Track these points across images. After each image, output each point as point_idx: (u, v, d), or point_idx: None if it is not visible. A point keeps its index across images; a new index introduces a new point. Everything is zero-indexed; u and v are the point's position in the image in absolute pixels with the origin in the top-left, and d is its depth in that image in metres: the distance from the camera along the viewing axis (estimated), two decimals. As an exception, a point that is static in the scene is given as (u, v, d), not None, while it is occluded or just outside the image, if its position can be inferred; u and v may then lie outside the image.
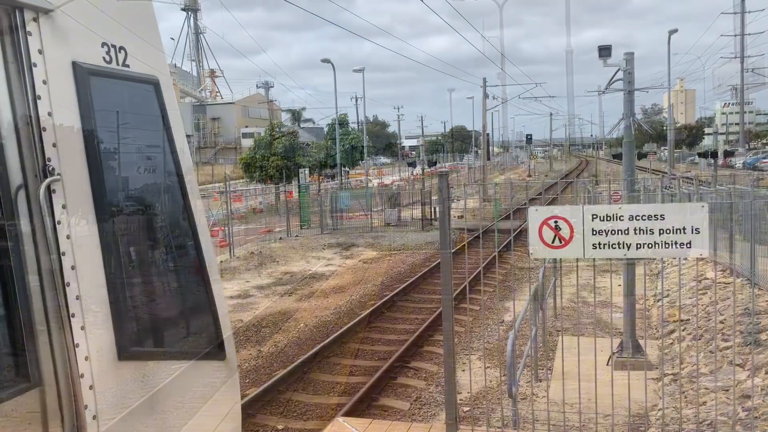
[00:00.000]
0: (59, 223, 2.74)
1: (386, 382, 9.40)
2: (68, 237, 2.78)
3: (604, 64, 9.58)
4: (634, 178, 9.36)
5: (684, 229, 5.02)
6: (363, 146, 50.52)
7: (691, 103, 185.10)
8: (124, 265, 3.16)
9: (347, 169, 59.26)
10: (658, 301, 12.76)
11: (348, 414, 7.84)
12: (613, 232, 5.09)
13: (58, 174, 2.75)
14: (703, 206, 5.06)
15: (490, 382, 9.14)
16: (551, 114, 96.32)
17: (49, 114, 2.76)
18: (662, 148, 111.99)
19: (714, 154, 32.99)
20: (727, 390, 7.27)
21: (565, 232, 5.12)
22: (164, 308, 3.57)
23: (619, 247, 5.12)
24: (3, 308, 2.63)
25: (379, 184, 53.15)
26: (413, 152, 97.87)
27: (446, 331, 5.66)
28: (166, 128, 3.48)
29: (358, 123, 70.39)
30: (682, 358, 8.93)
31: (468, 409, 8.06)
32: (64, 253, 2.75)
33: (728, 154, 61.89)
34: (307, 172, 33.73)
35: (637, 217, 5.07)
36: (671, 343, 9.89)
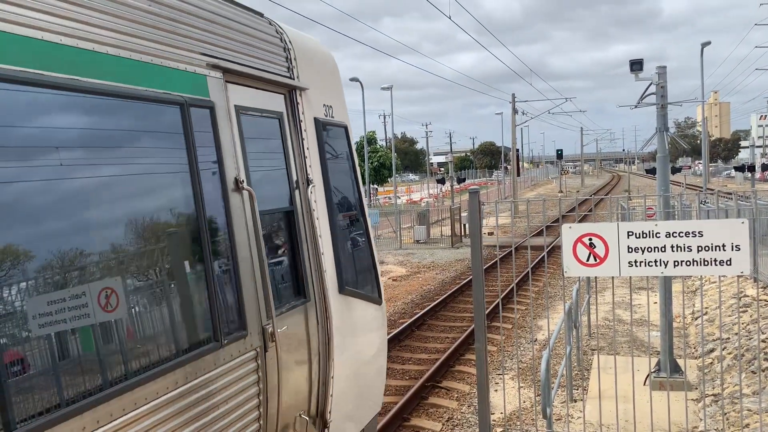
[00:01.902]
0: (314, 210, 4.78)
1: (417, 402, 9.30)
2: (318, 219, 4.84)
3: (636, 78, 9.45)
4: (669, 194, 9.16)
5: (723, 245, 4.88)
6: (391, 163, 50.65)
7: (726, 115, 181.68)
8: (338, 237, 5.19)
9: (376, 186, 59.41)
10: (696, 319, 12.43)
11: (379, 434, 7.75)
12: (649, 250, 4.98)
13: (313, 183, 4.86)
14: (743, 222, 4.92)
15: (524, 402, 8.97)
16: (582, 129, 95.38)
17: (308, 148, 4.90)
18: (696, 162, 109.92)
19: (751, 168, 32.20)
20: (772, 412, 7.01)
21: (600, 249, 5.02)
22: (357, 266, 5.67)
23: (656, 265, 5.00)
24: (292, 256, 4.61)
25: (407, 200, 53.15)
26: (442, 169, 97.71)
27: (479, 350, 5.58)
28: (350, 155, 5.81)
29: (386, 140, 70.65)
30: (723, 379, 8.65)
31: (501, 430, 7.91)
32: (315, 227, 4.80)
33: (766, 167, 60.48)
34: (336, 189, 33.90)
35: (674, 234, 4.95)
36: (711, 363, 9.61)
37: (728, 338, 10.27)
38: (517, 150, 48.90)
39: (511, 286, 15.33)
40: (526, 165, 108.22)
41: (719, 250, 4.90)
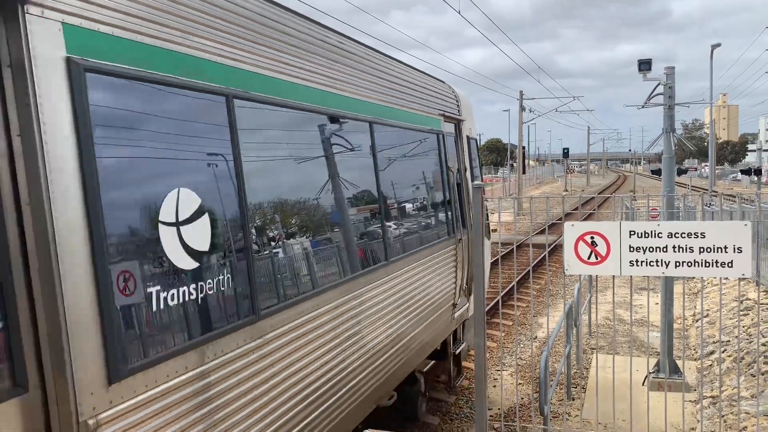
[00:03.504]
0: (468, 184, 8.74)
1: (416, 396, 9.31)
2: (469, 188, 8.54)
3: (644, 78, 9.42)
4: (673, 195, 9.14)
5: (725, 247, 4.87)
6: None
7: (734, 118, 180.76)
8: (464, 202, 8.58)
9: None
10: (697, 320, 12.42)
11: (376, 427, 7.78)
12: (651, 249, 4.98)
13: (467, 169, 8.89)
14: (746, 224, 4.91)
15: (522, 399, 9.00)
16: (588, 127, 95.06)
17: (464, 151, 8.87)
18: (703, 164, 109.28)
19: (758, 172, 32.05)
20: (770, 415, 7.01)
21: (601, 248, 5.02)
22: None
23: (657, 265, 5.00)
24: (460, 206, 8.39)
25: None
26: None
27: (478, 345, 5.59)
28: (477, 154, 9.71)
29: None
30: (722, 381, 8.66)
31: (498, 425, 7.94)
32: (469, 193, 8.48)
33: (773, 171, 59.98)
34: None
35: (677, 235, 4.95)
36: (710, 365, 9.61)
37: (728, 341, 10.27)
38: (524, 147, 48.76)
39: (512, 284, 15.34)
40: (532, 163, 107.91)
41: (721, 252, 4.89)
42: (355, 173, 5.61)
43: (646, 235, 4.98)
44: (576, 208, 33.09)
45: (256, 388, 3.74)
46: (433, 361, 8.26)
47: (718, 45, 36.06)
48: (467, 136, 9.07)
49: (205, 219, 3.41)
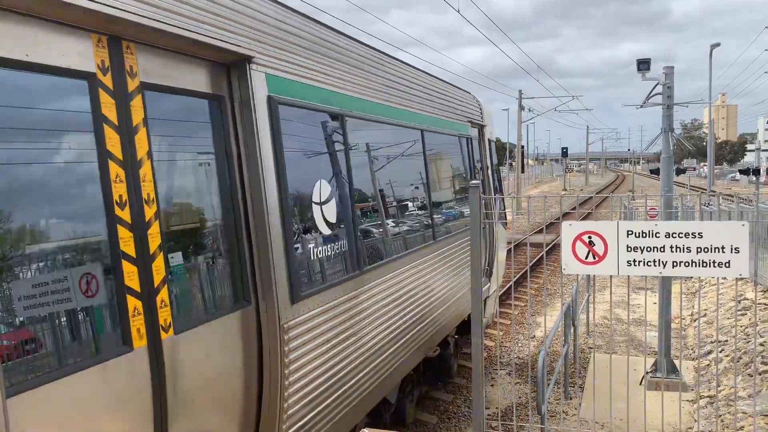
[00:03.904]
0: (489, 180, 10.63)
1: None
2: (490, 183, 10.61)
3: (643, 77, 9.42)
4: (671, 194, 9.15)
5: (723, 247, 4.87)
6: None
7: (733, 118, 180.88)
8: (497, 193, 11.15)
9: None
10: (694, 320, 12.43)
11: (374, 426, 7.78)
12: (648, 249, 4.98)
13: (488, 168, 10.61)
14: (743, 225, 4.91)
15: (519, 398, 9.01)
16: (587, 127, 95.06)
17: (486, 151, 10.52)
18: (702, 163, 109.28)
19: (756, 171, 32.07)
20: (766, 415, 7.03)
21: (599, 247, 5.02)
22: (501, 209, 10.97)
23: (655, 265, 5.00)
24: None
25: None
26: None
27: (475, 344, 5.60)
28: (494, 152, 11.37)
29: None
30: (719, 381, 8.67)
31: (496, 424, 7.94)
32: (491, 189, 10.64)
33: (771, 171, 59.94)
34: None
35: (674, 235, 4.95)
36: (708, 365, 9.62)
37: (726, 341, 10.28)
38: (523, 147, 48.71)
39: (510, 283, 15.34)
40: (530, 162, 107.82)
41: (718, 252, 4.89)
42: (415, 171, 7.42)
43: (644, 234, 4.98)
44: (574, 208, 33.05)
45: (360, 322, 5.41)
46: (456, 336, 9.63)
47: (718, 45, 36.07)
48: (489, 139, 10.76)
49: (333, 201, 5.03)
